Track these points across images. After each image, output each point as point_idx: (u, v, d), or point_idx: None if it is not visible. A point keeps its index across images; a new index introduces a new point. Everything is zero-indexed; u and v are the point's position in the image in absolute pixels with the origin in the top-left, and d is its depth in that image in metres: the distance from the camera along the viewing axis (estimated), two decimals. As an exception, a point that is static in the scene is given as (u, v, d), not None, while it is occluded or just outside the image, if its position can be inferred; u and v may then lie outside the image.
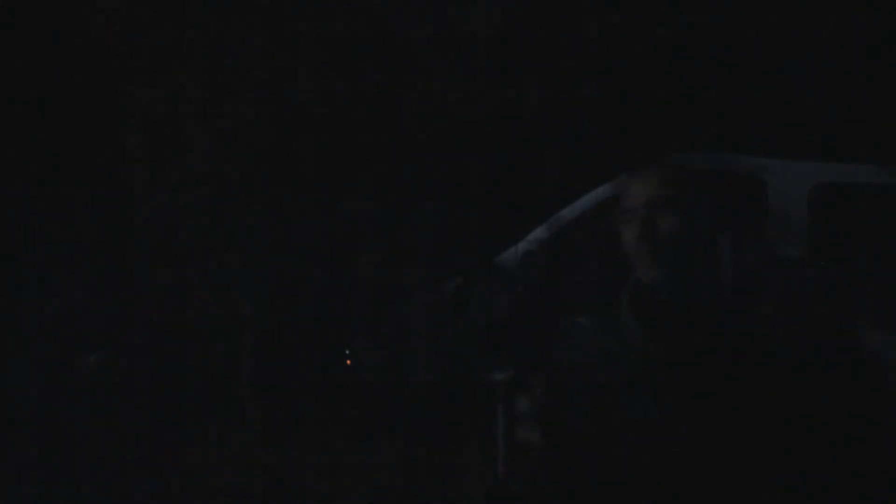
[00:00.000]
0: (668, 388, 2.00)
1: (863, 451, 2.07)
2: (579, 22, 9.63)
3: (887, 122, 9.06)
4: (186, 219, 9.38)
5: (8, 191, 9.37)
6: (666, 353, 2.02)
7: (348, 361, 7.22)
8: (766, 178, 6.97)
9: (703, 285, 2.07)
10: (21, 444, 7.07)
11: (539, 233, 6.93)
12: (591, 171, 7.69)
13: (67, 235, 9.27)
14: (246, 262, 9.19)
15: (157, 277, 9.20)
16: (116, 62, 9.53)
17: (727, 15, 9.62)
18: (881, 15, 9.35)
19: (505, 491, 2.19)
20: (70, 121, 9.43)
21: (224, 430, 7.27)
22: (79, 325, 8.82)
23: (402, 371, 6.94)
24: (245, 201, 9.42)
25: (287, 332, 8.63)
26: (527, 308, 6.69)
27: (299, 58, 9.58)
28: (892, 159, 7.25)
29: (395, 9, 9.64)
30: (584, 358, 2.17)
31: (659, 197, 2.07)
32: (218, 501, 5.84)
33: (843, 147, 8.42)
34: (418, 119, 9.57)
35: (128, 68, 9.53)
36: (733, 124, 9.27)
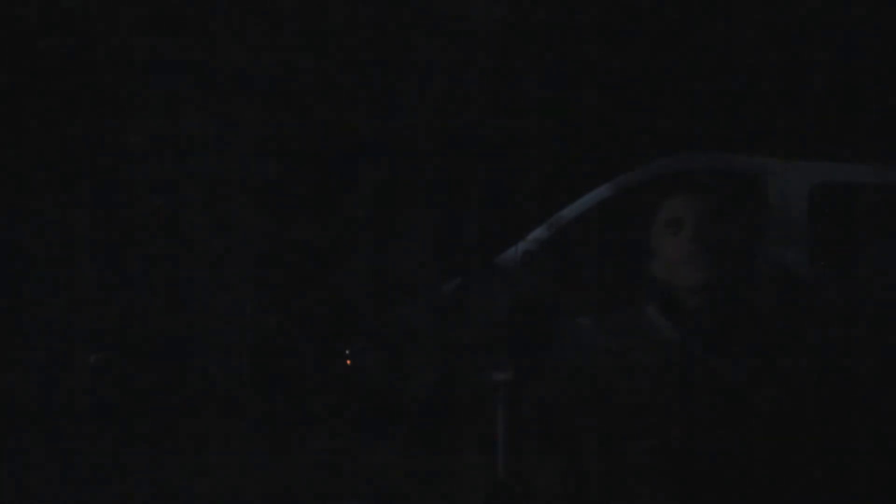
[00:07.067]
0: (705, 384, 2.01)
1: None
2: (579, 22, 9.63)
3: (887, 122, 9.06)
4: (186, 219, 9.38)
5: (8, 191, 9.37)
6: (708, 352, 2.04)
7: (348, 361, 7.22)
8: (766, 178, 6.97)
9: (747, 287, 2.10)
10: (21, 443, 7.07)
11: (539, 233, 6.94)
12: (591, 171, 7.69)
13: (68, 235, 9.27)
14: (246, 262, 9.19)
15: (157, 277, 9.20)
16: (117, 62, 9.53)
17: (727, 15, 9.62)
18: (881, 15, 9.35)
19: (505, 491, 2.19)
20: (71, 121, 9.43)
21: (224, 430, 7.27)
22: (79, 325, 8.83)
23: (403, 371, 6.94)
24: (245, 201, 9.42)
25: (287, 332, 8.64)
26: (527, 308, 6.70)
27: (299, 57, 9.59)
28: (893, 159, 7.25)
29: (396, 8, 9.65)
30: (587, 358, 2.18)
31: (705, 208, 2.11)
32: (218, 502, 5.83)
33: (843, 147, 8.42)
34: (418, 119, 9.57)
35: (128, 69, 9.53)
36: (733, 124, 9.27)
